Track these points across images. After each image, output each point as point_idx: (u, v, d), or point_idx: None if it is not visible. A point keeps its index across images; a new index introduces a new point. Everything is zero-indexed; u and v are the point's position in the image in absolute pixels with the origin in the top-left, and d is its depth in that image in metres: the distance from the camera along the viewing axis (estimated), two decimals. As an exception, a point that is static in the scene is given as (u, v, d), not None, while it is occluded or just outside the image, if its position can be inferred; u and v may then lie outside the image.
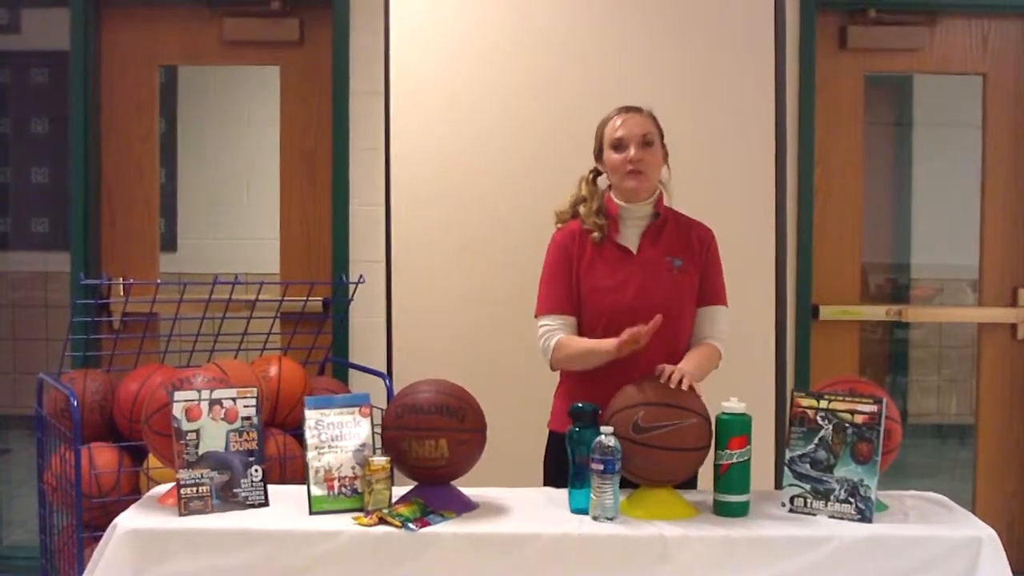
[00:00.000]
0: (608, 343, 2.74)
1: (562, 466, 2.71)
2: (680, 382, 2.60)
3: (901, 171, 5.72)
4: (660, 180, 2.99)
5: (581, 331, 2.92)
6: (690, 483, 2.73)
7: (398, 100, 3.86)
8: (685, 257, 2.93)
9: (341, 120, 4.26)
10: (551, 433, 3.02)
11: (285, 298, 3.85)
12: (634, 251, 2.93)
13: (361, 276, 3.94)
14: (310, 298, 3.94)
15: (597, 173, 3.03)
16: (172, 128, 5.70)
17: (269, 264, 4.49)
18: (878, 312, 4.59)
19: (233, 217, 6.13)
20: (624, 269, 2.91)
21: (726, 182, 3.81)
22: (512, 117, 3.83)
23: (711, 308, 2.95)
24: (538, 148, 3.80)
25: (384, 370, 3.84)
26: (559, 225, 3.03)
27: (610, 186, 3.00)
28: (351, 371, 4.08)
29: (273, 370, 3.52)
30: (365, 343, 4.20)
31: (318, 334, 3.96)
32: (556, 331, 2.90)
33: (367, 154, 4.21)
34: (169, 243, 5.74)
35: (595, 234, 2.92)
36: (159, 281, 3.84)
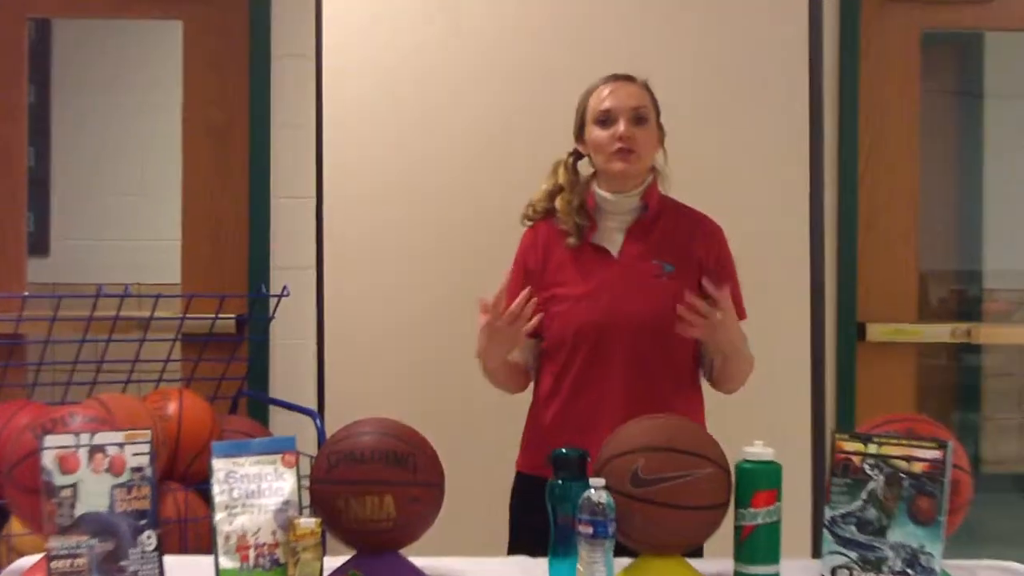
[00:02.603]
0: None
1: (531, 519, 2.73)
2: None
3: (969, 153, 5.74)
4: (654, 166, 3.03)
5: (545, 352, 3.02)
6: (697, 551, 2.73)
7: (332, 64, 3.85)
8: (680, 260, 2.99)
9: (260, 89, 4.26)
10: (518, 475, 3.08)
11: (188, 315, 3.83)
12: (615, 253, 2.99)
13: (285, 287, 3.93)
14: (220, 315, 3.92)
15: (578, 157, 3.07)
16: (44, 98, 5.67)
17: (168, 272, 4.47)
18: (941, 332, 4.61)
19: (122, 212, 6.10)
20: (598, 275, 2.98)
21: (746, 170, 3.82)
22: (481, 86, 3.83)
23: None
24: (515, 126, 3.80)
25: (314, 407, 3.83)
26: (527, 223, 3.09)
27: (593, 174, 3.05)
28: (272, 408, 4.07)
29: (172, 407, 3.50)
30: (290, 372, 4.19)
31: (230, 361, 3.95)
32: None
33: (293, 132, 4.21)
34: (40, 245, 5.71)
35: (570, 239, 3.00)
36: (26, 294, 3.82)
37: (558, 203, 3.04)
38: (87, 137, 6.01)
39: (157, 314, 3.70)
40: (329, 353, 3.87)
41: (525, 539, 2.84)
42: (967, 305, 5.78)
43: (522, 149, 3.50)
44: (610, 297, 2.94)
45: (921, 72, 4.43)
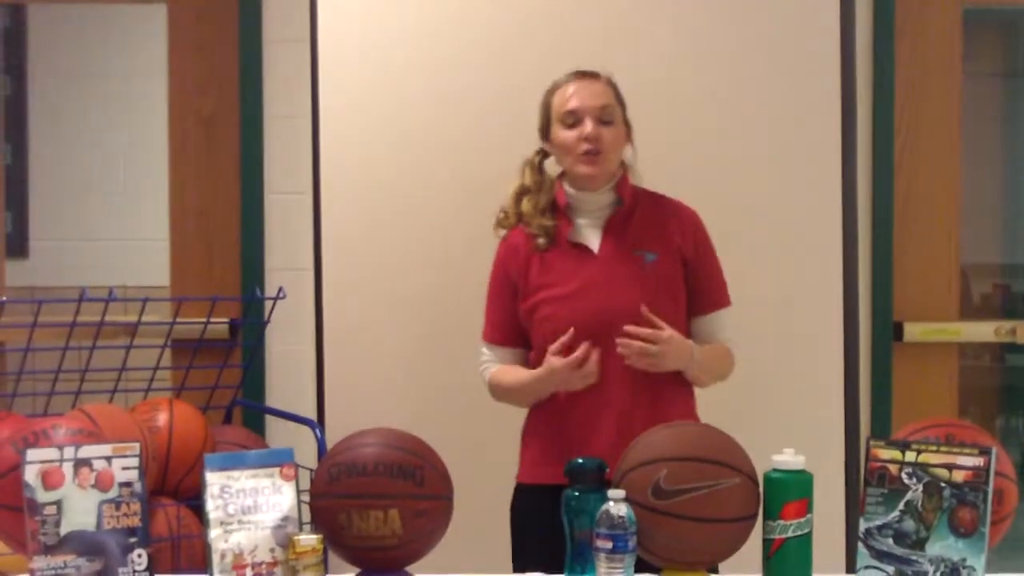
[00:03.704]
0: (533, 373, 3.02)
1: (536, 532, 2.79)
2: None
3: (1014, 139, 5.74)
4: (623, 161, 3.15)
5: (533, 353, 3.10)
6: (711, 567, 2.74)
7: (329, 49, 3.85)
8: (660, 248, 3.09)
9: (252, 77, 4.26)
10: (518, 488, 3.15)
11: (177, 320, 3.84)
12: (595, 250, 3.09)
13: (281, 289, 3.93)
14: (212, 319, 3.93)
15: (545, 155, 3.20)
16: (20, 89, 5.68)
17: (155, 274, 4.48)
18: (984, 331, 4.61)
19: (106, 210, 6.10)
20: (582, 272, 3.07)
21: (773, 159, 3.80)
22: (491, 71, 3.81)
23: (712, 316, 3.13)
24: (529, 115, 3.78)
25: (313, 416, 3.83)
26: (501, 232, 3.21)
27: (562, 173, 3.17)
28: (268, 418, 4.07)
29: (162, 418, 3.51)
30: (287, 380, 4.20)
31: (223, 368, 3.95)
32: (492, 363, 3.18)
33: (287, 123, 4.22)
34: (18, 246, 5.72)
35: (540, 240, 3.10)
36: (4, 298, 3.83)
37: (524, 205, 3.16)
38: (66, 131, 6.02)
39: (145, 319, 3.70)
40: (329, 359, 3.87)
41: (532, 554, 2.87)
42: (1012, 302, 5.76)
43: (537, 142, 3.51)
44: (597, 294, 3.03)
45: (963, 52, 4.42)
